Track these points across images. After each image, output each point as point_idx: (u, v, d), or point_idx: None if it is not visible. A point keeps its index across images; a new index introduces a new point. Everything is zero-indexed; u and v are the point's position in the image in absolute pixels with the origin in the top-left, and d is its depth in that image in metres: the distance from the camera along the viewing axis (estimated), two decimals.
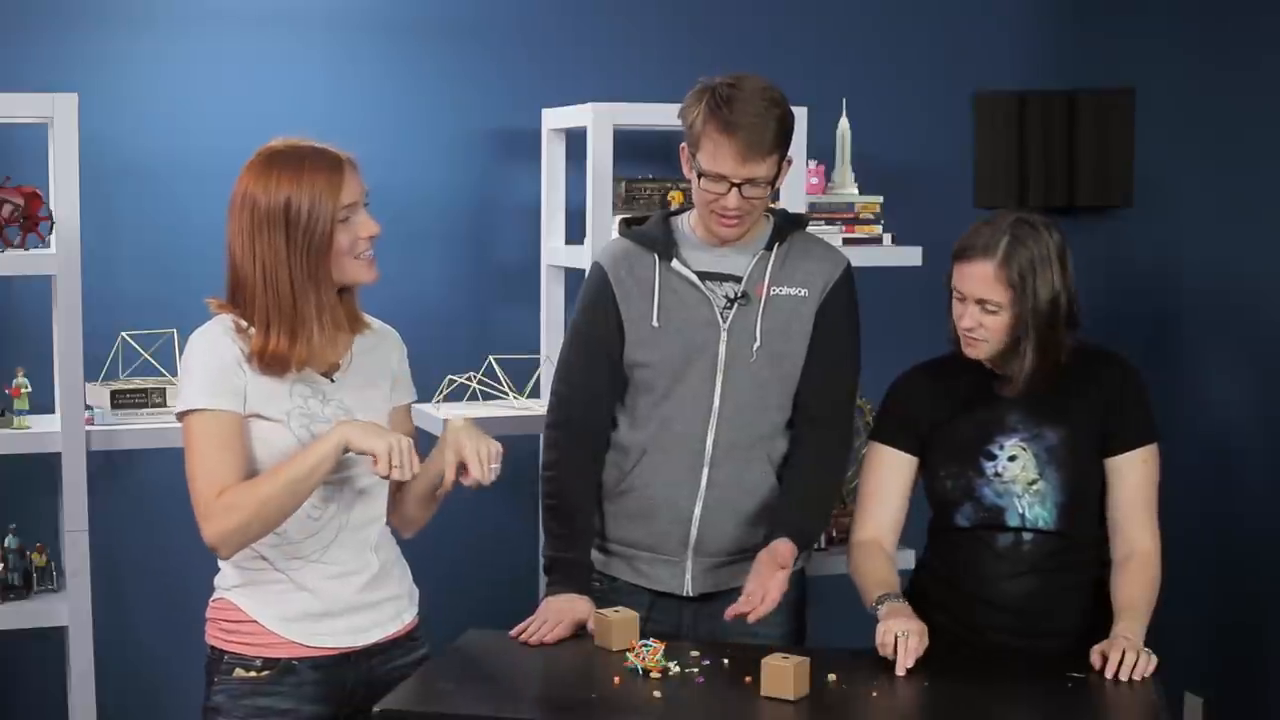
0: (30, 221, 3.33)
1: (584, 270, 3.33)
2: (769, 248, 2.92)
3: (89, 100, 3.33)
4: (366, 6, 3.90)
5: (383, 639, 2.62)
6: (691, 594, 2.94)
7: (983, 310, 2.74)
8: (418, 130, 3.96)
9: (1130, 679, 2.55)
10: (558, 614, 2.79)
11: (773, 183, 2.82)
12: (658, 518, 2.91)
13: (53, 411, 3.39)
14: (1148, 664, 2.57)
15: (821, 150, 3.86)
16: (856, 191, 3.90)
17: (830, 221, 3.84)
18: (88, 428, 3.36)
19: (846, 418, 3.02)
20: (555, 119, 3.81)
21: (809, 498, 2.93)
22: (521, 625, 2.79)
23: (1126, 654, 2.56)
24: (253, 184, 2.50)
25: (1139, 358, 3.78)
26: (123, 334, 3.52)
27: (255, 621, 2.52)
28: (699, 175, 2.80)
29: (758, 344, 2.88)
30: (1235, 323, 3.98)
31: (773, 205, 3.55)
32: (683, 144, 2.87)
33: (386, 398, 2.67)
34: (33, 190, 3.33)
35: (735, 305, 2.88)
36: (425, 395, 3.76)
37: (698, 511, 2.90)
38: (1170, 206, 4.19)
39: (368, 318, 2.67)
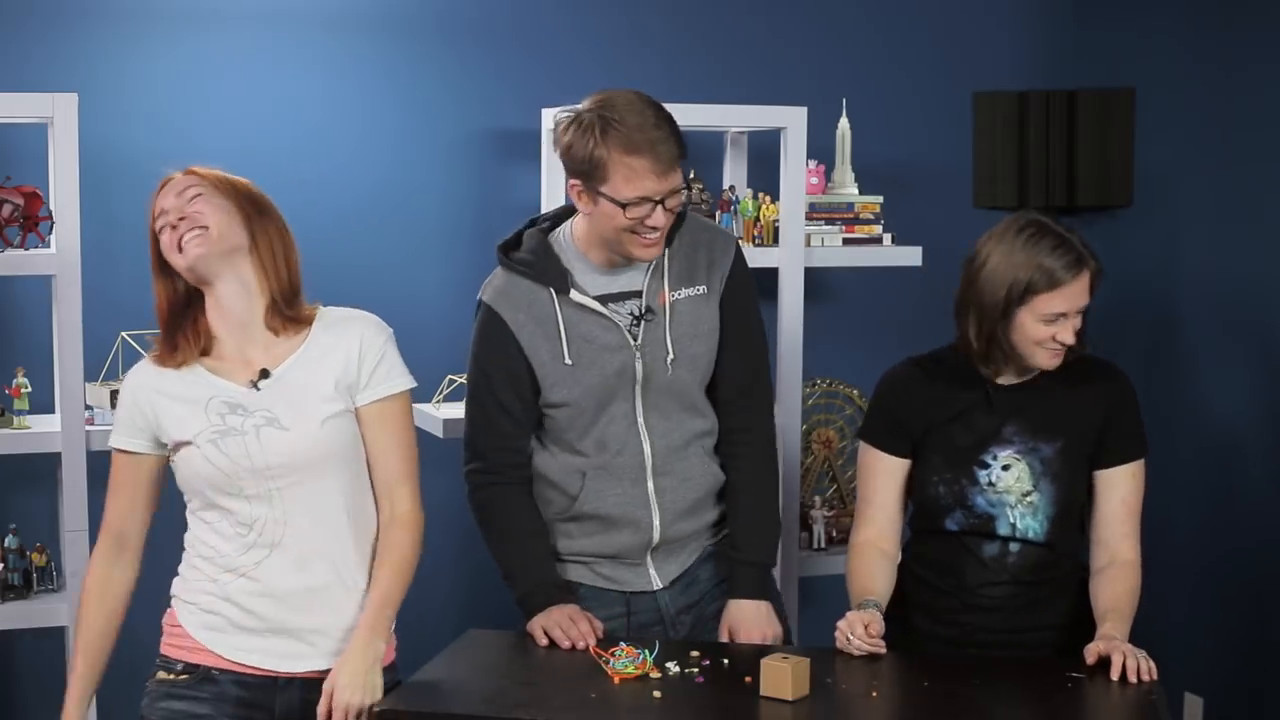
0: (30, 221, 3.33)
1: None
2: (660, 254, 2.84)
3: (89, 100, 3.34)
4: (366, 7, 3.90)
5: (316, 672, 2.49)
6: (661, 586, 2.92)
7: (1076, 317, 2.75)
8: (418, 130, 3.96)
9: (1139, 679, 2.54)
10: (564, 615, 2.75)
11: (686, 187, 2.77)
12: (618, 531, 2.87)
13: (53, 411, 3.39)
14: (1150, 664, 2.57)
15: (821, 150, 3.86)
16: (856, 191, 3.90)
17: (830, 221, 3.84)
18: (88, 428, 3.36)
19: (768, 399, 3.01)
20: (555, 119, 3.80)
21: (761, 519, 2.93)
22: (545, 637, 2.74)
23: (1128, 657, 2.57)
24: None
25: (1139, 358, 3.80)
26: (123, 334, 3.52)
27: (182, 626, 2.53)
28: (621, 205, 2.68)
29: (670, 356, 2.83)
30: (1235, 323, 3.98)
31: None
32: (571, 182, 2.75)
33: (330, 398, 2.52)
34: (33, 190, 3.34)
35: (642, 322, 2.82)
36: (425, 395, 3.77)
37: (657, 521, 2.86)
38: (1170, 206, 4.18)
39: (330, 312, 2.61)
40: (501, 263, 2.87)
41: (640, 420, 2.84)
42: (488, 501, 2.87)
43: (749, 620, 2.88)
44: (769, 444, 2.99)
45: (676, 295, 2.84)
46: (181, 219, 2.48)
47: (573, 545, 2.90)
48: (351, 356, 2.55)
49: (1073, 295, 2.73)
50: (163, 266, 2.52)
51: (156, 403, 2.51)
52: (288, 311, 2.54)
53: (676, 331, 2.84)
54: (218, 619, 2.49)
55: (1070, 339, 2.74)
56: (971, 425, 2.83)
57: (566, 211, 2.92)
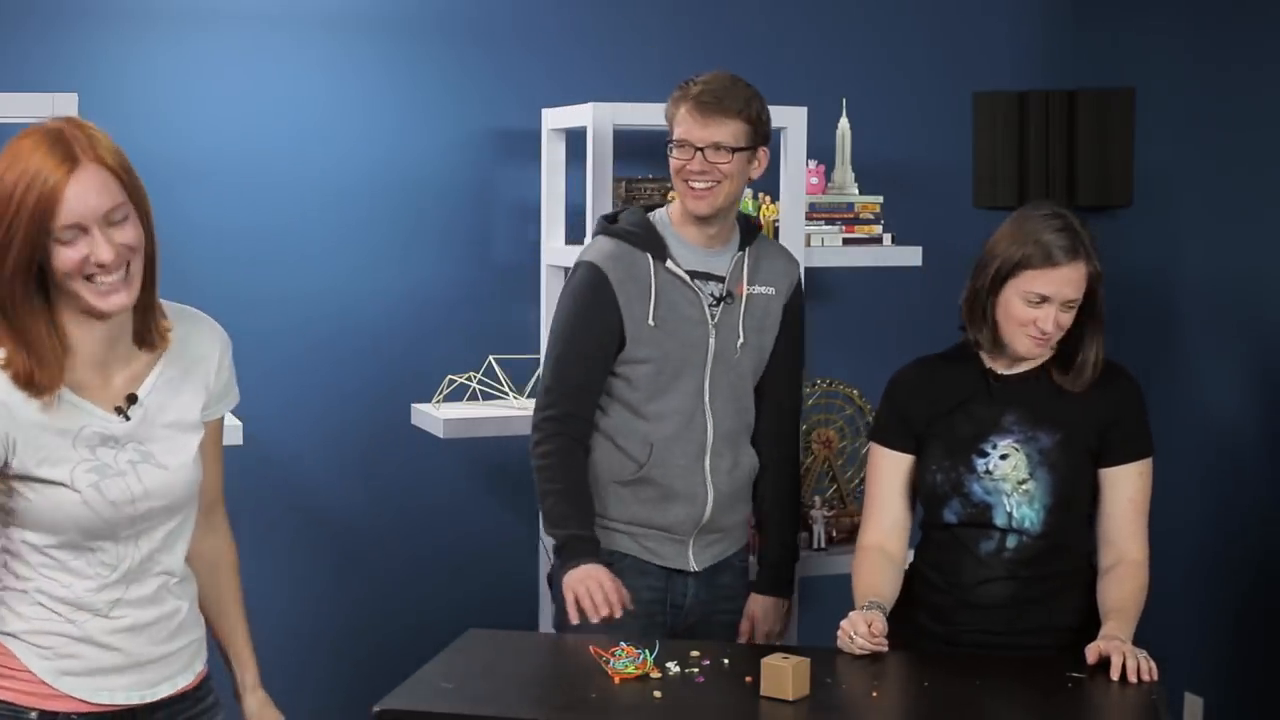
0: None
1: None
2: (741, 249, 3.08)
3: (89, 100, 3.33)
4: (366, 7, 3.90)
5: (172, 694, 2.30)
6: (696, 569, 3.10)
7: (1063, 309, 2.75)
8: (418, 130, 3.96)
9: (1139, 679, 2.54)
10: (593, 578, 2.87)
11: (735, 150, 2.91)
12: (674, 504, 3.04)
13: None
14: (1150, 665, 2.57)
15: (821, 150, 3.86)
16: (857, 191, 3.90)
17: (830, 221, 3.84)
18: None
19: (795, 419, 3.28)
20: (555, 119, 3.81)
21: (787, 519, 3.22)
22: (576, 608, 2.87)
23: (1128, 657, 2.56)
24: None
25: (1139, 358, 3.79)
26: None
27: (29, 671, 2.19)
28: (668, 144, 2.95)
29: (741, 341, 3.06)
30: (1235, 323, 3.98)
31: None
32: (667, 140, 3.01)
33: (197, 425, 2.26)
34: None
35: (721, 304, 3.03)
36: (425, 395, 3.78)
37: (710, 498, 3.05)
38: (1170, 206, 4.19)
39: (171, 314, 2.23)
40: (605, 230, 3.07)
41: (707, 398, 3.04)
42: (553, 451, 3.00)
43: (769, 615, 3.18)
44: (798, 450, 3.26)
45: (753, 289, 3.08)
46: (112, 258, 2.05)
47: (626, 512, 3.05)
48: (211, 371, 2.28)
49: (1060, 280, 2.73)
50: (23, 264, 2.02)
51: (16, 424, 2.09)
52: (155, 322, 2.19)
53: (749, 321, 3.07)
54: (76, 662, 2.20)
55: (1049, 327, 2.74)
56: (972, 415, 2.84)
57: (654, 207, 3.13)
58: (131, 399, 2.17)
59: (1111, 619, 2.70)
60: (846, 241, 3.83)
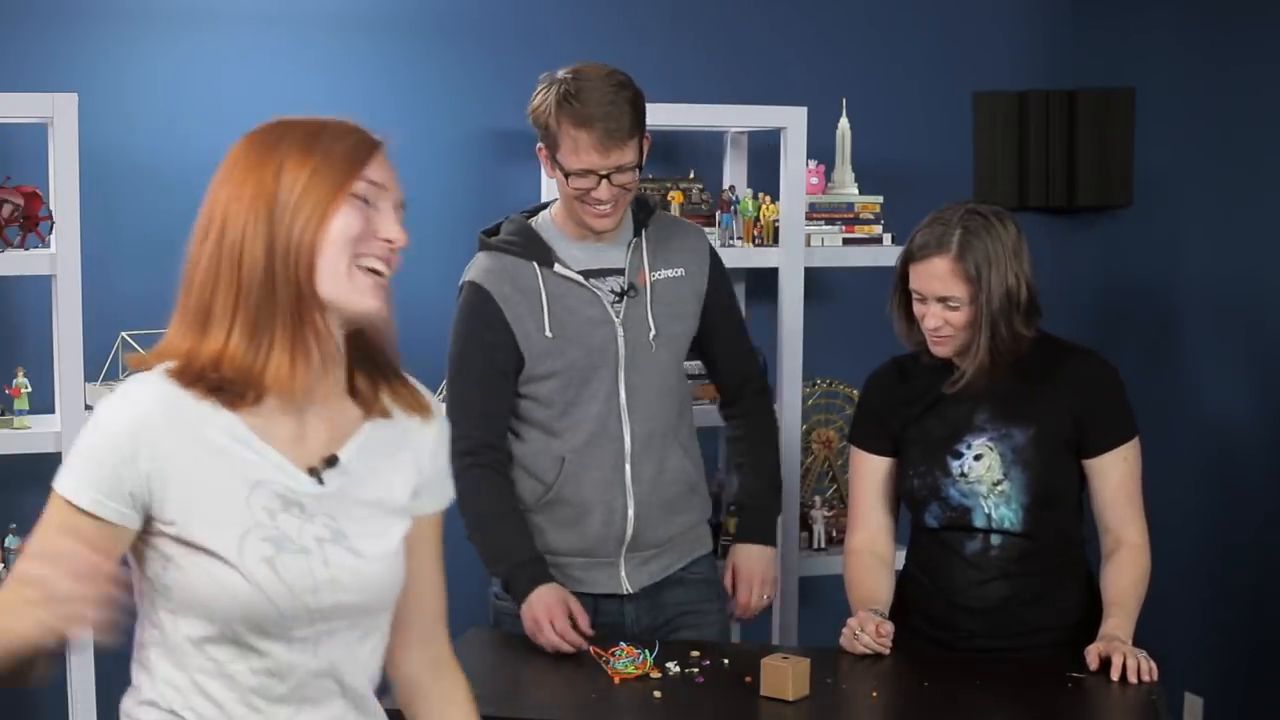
0: (30, 221, 3.33)
1: None
2: (637, 234, 2.91)
3: (89, 100, 3.34)
4: (366, 6, 3.90)
5: None
6: (631, 591, 2.92)
7: (945, 308, 2.72)
8: (418, 130, 3.96)
9: (1139, 679, 2.54)
10: (550, 609, 2.71)
11: (639, 166, 2.81)
12: (591, 521, 2.87)
13: (53, 411, 3.39)
14: (1150, 665, 2.57)
15: (821, 150, 3.86)
16: (856, 191, 3.90)
17: (830, 221, 3.84)
18: None
19: (763, 382, 3.16)
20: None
21: (768, 471, 3.07)
22: (540, 635, 2.71)
23: (1128, 658, 2.56)
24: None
25: (1139, 358, 3.80)
26: (123, 334, 3.52)
27: None
28: (565, 174, 2.77)
29: (653, 333, 2.88)
30: (1235, 323, 3.98)
31: None
32: (538, 145, 2.84)
33: (403, 511, 1.81)
34: (33, 190, 3.34)
35: (625, 298, 2.87)
36: None
37: (631, 510, 2.88)
38: (1170, 206, 4.19)
39: (416, 391, 1.87)
40: (484, 245, 2.91)
41: (622, 401, 2.86)
42: (464, 489, 2.79)
43: (754, 563, 2.99)
44: (772, 416, 3.15)
45: (657, 275, 2.90)
46: (402, 236, 1.84)
47: (545, 541, 2.87)
48: (426, 450, 1.86)
49: (924, 275, 2.72)
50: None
51: (173, 461, 1.63)
52: (389, 373, 1.83)
53: (658, 309, 2.90)
54: None
55: (931, 324, 2.73)
56: (945, 416, 2.81)
57: (545, 206, 2.99)
58: (331, 461, 1.72)
59: (1112, 616, 2.69)
60: (846, 241, 3.83)
